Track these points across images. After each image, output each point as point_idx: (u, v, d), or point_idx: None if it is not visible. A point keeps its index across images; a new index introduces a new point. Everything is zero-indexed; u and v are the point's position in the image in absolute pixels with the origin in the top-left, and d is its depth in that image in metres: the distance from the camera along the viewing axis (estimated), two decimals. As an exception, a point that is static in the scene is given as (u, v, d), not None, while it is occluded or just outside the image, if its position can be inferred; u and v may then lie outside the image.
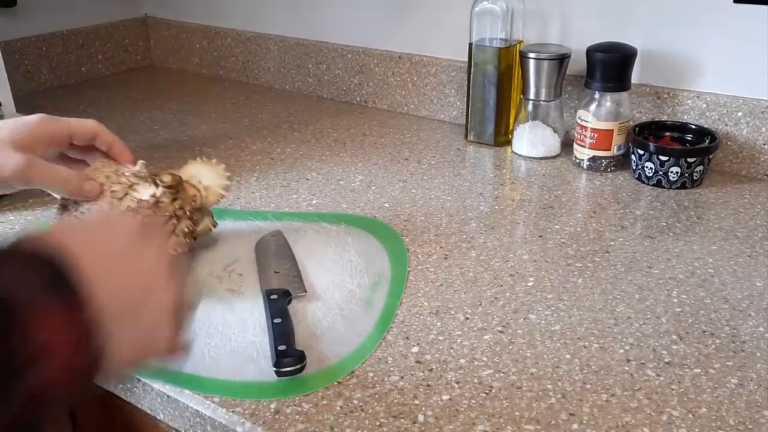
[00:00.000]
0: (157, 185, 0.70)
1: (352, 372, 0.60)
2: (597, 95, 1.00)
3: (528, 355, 0.63)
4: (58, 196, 0.71)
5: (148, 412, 0.63)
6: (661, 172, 0.96)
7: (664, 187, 0.97)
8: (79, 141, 0.69)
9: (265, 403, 0.57)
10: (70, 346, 0.31)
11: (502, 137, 1.13)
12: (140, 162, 0.72)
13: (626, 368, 0.61)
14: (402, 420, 0.55)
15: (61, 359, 0.30)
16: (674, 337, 0.65)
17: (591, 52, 0.99)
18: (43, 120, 0.65)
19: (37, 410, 0.30)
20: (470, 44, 1.10)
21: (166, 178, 0.71)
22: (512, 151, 1.11)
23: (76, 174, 0.66)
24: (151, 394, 0.61)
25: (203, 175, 0.77)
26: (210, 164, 0.78)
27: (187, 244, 0.72)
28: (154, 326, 0.39)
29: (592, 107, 1.00)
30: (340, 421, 0.55)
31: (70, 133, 0.67)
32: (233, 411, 0.56)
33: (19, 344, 0.29)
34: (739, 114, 0.99)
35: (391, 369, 0.61)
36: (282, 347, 0.59)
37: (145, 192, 0.70)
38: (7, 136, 0.62)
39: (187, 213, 0.73)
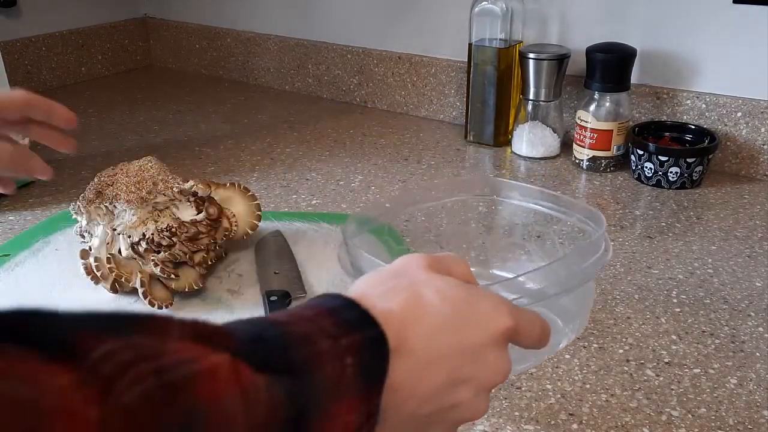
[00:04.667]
0: (199, 211, 0.71)
1: (351, 372, 0.60)
2: (596, 95, 1.00)
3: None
4: (95, 180, 0.70)
5: (148, 412, 0.63)
6: (660, 173, 0.96)
7: (663, 188, 0.97)
8: (11, 114, 0.62)
9: (265, 403, 0.56)
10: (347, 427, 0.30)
11: (501, 137, 1.13)
12: (191, 181, 0.72)
13: (626, 368, 0.61)
14: (402, 420, 0.55)
15: None
16: (674, 337, 0.65)
17: (590, 52, 1.00)
18: None
19: None
20: (470, 44, 1.10)
21: (212, 210, 0.71)
22: (512, 152, 1.11)
23: (19, 147, 0.61)
24: (151, 394, 0.61)
25: (236, 203, 0.76)
26: (246, 196, 0.77)
27: (205, 275, 0.72)
28: (451, 413, 0.34)
29: (592, 107, 1.01)
30: (339, 421, 0.55)
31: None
32: (233, 411, 0.56)
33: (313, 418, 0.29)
34: (739, 114, 0.99)
35: (391, 369, 0.61)
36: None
37: (186, 213, 0.70)
38: None
39: (219, 246, 0.73)
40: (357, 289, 0.34)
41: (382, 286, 0.35)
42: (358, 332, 0.31)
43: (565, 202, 0.62)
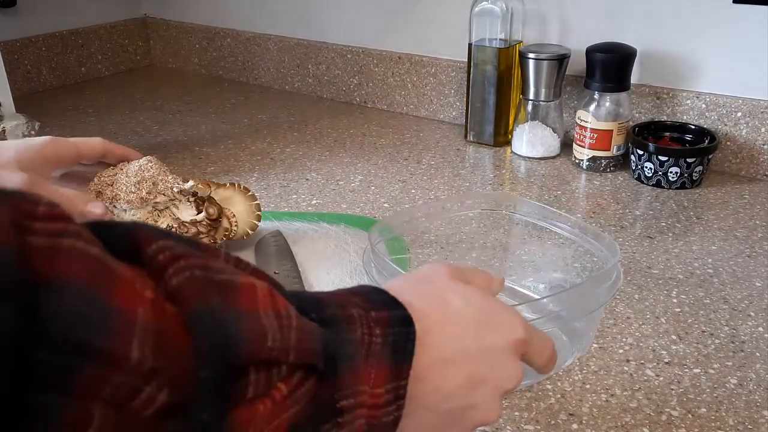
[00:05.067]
0: (199, 211, 0.71)
1: (351, 372, 0.60)
2: (596, 95, 1.00)
3: (527, 355, 0.63)
4: (95, 180, 0.71)
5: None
6: (660, 173, 0.96)
7: (663, 188, 0.97)
8: (88, 160, 0.69)
9: (265, 403, 0.57)
10: (374, 409, 0.31)
11: (501, 137, 1.13)
12: (191, 181, 0.71)
13: (626, 368, 0.61)
14: (402, 420, 0.55)
15: (363, 421, 0.31)
16: (674, 337, 0.65)
17: (591, 52, 1.00)
18: (50, 141, 0.65)
19: None
20: (470, 44, 1.10)
21: (212, 210, 0.71)
22: (512, 152, 1.11)
23: (80, 195, 0.66)
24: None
25: (236, 203, 0.76)
26: (246, 196, 0.77)
27: None
28: (468, 413, 0.36)
29: (592, 107, 1.01)
30: (339, 421, 0.55)
31: (78, 153, 0.67)
32: (233, 411, 0.56)
33: (342, 392, 0.30)
34: (739, 114, 0.99)
35: (391, 369, 0.61)
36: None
37: (186, 213, 0.70)
38: (13, 156, 0.62)
39: (219, 247, 0.73)
40: (387, 287, 0.37)
41: (410, 288, 0.37)
42: (386, 310, 0.33)
43: (579, 225, 0.66)
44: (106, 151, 0.69)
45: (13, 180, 0.61)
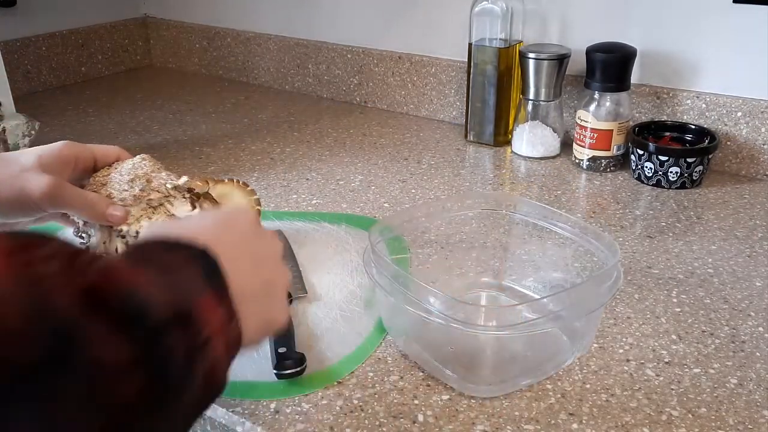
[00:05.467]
0: (194, 207, 0.71)
1: (352, 372, 0.60)
2: (597, 95, 1.00)
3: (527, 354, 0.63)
4: (90, 180, 0.71)
5: (149, 412, 0.63)
6: (660, 172, 0.96)
7: (663, 187, 0.97)
8: (103, 166, 0.70)
9: (264, 403, 0.57)
10: (223, 327, 0.37)
11: (501, 137, 1.13)
12: (185, 177, 0.71)
13: (626, 368, 0.61)
14: (402, 420, 0.55)
15: (221, 339, 0.36)
16: (674, 336, 0.65)
17: (591, 52, 1.00)
18: (68, 145, 0.66)
19: (211, 389, 0.36)
20: (470, 44, 1.10)
21: (206, 205, 0.71)
22: (512, 151, 1.11)
23: (102, 198, 0.66)
24: (152, 394, 0.61)
25: (234, 198, 0.76)
26: (245, 191, 0.77)
27: None
28: (272, 307, 0.45)
29: (592, 107, 1.01)
30: (339, 421, 0.55)
31: (94, 158, 0.68)
32: (233, 411, 0.56)
33: (196, 331, 0.34)
34: (739, 114, 0.99)
35: (391, 369, 0.61)
36: (282, 350, 0.59)
37: (181, 209, 0.70)
38: (35, 161, 0.62)
39: None
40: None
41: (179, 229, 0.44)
42: (184, 249, 0.39)
43: (579, 225, 0.67)
44: (119, 159, 0.70)
45: (41, 182, 0.61)
